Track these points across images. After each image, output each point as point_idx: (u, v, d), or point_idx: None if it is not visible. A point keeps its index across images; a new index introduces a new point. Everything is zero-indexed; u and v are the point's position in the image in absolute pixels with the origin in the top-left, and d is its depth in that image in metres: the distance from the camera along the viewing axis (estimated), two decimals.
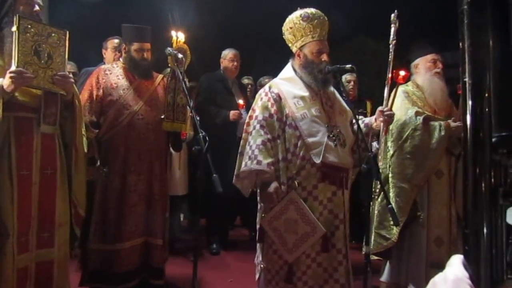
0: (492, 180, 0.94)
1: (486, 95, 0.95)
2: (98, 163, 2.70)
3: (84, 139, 2.34)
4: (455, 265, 0.97)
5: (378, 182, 2.35)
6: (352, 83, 4.36)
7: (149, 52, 2.90)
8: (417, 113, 2.78)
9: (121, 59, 2.97)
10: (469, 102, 0.98)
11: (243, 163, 2.22)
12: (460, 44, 1.05)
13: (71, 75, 2.22)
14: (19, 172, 2.04)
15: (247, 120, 2.35)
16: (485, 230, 0.92)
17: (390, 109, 2.46)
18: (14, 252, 1.99)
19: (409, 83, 3.00)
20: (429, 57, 2.90)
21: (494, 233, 0.93)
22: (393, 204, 2.69)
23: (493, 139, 0.95)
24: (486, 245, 0.93)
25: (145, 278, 2.86)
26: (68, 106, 2.23)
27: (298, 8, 2.36)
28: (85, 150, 2.35)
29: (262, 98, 2.32)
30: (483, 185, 0.94)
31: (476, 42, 0.99)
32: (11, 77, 1.90)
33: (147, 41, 2.89)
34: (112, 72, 2.85)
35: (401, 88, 2.91)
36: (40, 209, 2.11)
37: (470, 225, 0.97)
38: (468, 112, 0.99)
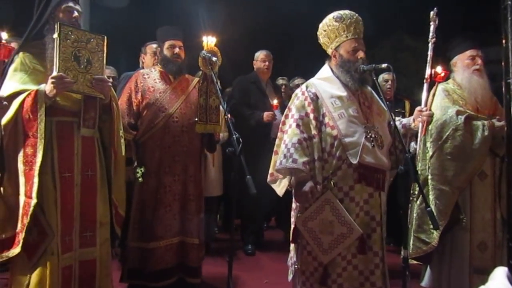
0: None
1: None
2: (135, 164, 2.81)
3: (122, 141, 2.41)
4: (499, 278, 0.91)
5: (417, 184, 2.27)
6: (389, 82, 4.25)
7: (182, 49, 2.97)
8: (458, 112, 2.66)
9: (159, 63, 3.07)
10: None
11: (278, 161, 2.20)
12: (504, 42, 0.98)
13: (109, 79, 2.29)
14: (62, 174, 2.12)
15: (282, 119, 2.36)
16: None
17: (429, 109, 2.38)
18: (59, 252, 2.08)
19: (449, 81, 2.88)
20: (467, 53, 2.77)
21: None
22: (432, 207, 2.61)
23: None
24: None
25: (182, 277, 2.93)
26: (106, 109, 2.31)
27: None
28: (123, 152, 2.41)
29: (298, 97, 2.31)
30: None
31: None
32: (52, 83, 1.98)
33: (178, 38, 2.97)
34: (150, 76, 2.96)
35: (441, 86, 2.80)
36: (82, 209, 2.19)
37: None
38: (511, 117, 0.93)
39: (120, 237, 2.63)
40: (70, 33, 2.07)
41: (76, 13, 2.22)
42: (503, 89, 0.96)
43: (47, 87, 2.01)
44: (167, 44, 2.95)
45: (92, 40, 2.16)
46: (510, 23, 0.94)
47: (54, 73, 2.00)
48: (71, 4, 2.22)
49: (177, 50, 2.94)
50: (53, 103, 2.09)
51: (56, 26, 2.04)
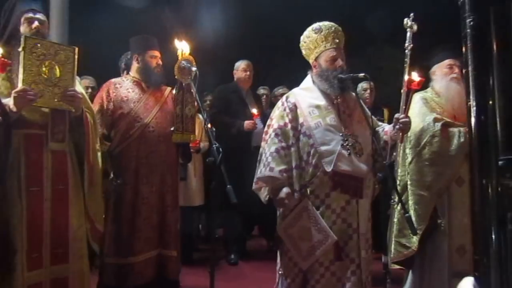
0: (500, 205, 0.92)
1: (491, 118, 0.95)
2: (112, 176, 2.73)
3: (99, 153, 2.36)
4: None
5: (395, 191, 2.30)
6: (368, 91, 4.33)
7: (160, 60, 2.97)
8: (435, 120, 2.72)
9: (130, 73, 3.01)
10: (473, 126, 0.98)
11: (259, 170, 2.29)
12: (464, 68, 1.05)
13: (88, 89, 2.25)
14: (29, 188, 2.06)
15: (265, 129, 2.42)
16: (494, 257, 0.91)
17: (406, 116, 2.42)
18: (24, 268, 1.99)
19: (428, 89, 2.95)
20: (446, 62, 2.84)
21: (504, 260, 0.91)
22: (412, 212, 2.65)
23: (500, 163, 0.93)
24: (496, 271, 0.92)
25: None
26: (80, 122, 2.25)
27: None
28: (100, 164, 2.36)
29: (279, 108, 2.40)
30: (490, 210, 0.93)
31: (479, 66, 0.98)
32: (14, 97, 1.94)
33: (158, 48, 2.96)
34: (122, 86, 2.89)
35: (419, 95, 2.86)
36: (53, 224, 2.12)
37: (479, 252, 0.96)
38: (473, 136, 0.98)
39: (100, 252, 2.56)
40: (37, 45, 2.02)
41: (36, 23, 2.15)
42: (467, 110, 1.02)
43: (11, 101, 1.96)
44: (150, 53, 2.92)
45: (61, 52, 2.11)
46: (470, 50, 0.99)
47: (18, 87, 1.96)
48: (30, 14, 2.16)
49: (159, 61, 2.93)
50: (20, 116, 2.03)
51: (21, 40, 1.99)
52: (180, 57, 2.55)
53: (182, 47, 2.53)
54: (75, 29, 5.06)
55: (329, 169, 2.20)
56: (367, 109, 2.44)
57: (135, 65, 2.97)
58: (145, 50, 2.92)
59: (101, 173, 2.42)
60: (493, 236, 0.93)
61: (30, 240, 2.03)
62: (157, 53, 2.94)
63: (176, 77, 2.67)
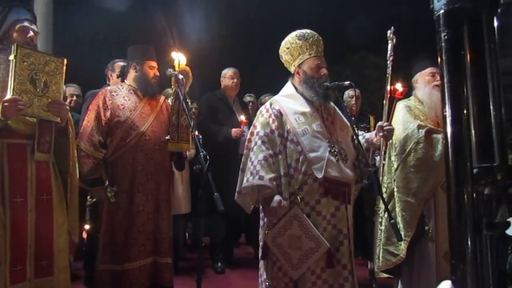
0: (476, 211, 0.96)
1: (465, 128, 0.99)
2: (107, 183, 2.72)
3: (77, 164, 2.35)
4: None
5: (380, 198, 2.33)
6: (354, 98, 4.38)
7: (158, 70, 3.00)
8: (419, 126, 2.75)
9: (126, 81, 3.02)
10: (449, 136, 1.02)
11: (245, 179, 2.22)
12: (439, 79, 1.10)
13: (73, 97, 2.25)
14: (12, 199, 2.02)
15: (248, 136, 2.38)
16: (470, 261, 0.95)
17: (390, 124, 2.46)
18: (7, 281, 1.95)
19: (411, 97, 2.99)
20: (428, 70, 2.89)
21: (480, 264, 0.95)
22: (399, 219, 2.67)
23: (475, 171, 0.97)
24: (472, 274, 0.95)
25: None
26: (62, 132, 2.24)
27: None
28: (78, 175, 2.36)
29: (263, 115, 2.36)
30: (466, 217, 0.96)
31: (454, 78, 1.02)
32: (5, 106, 1.91)
33: (156, 59, 2.99)
34: (118, 94, 2.90)
35: (403, 103, 2.90)
36: (37, 236, 2.08)
37: (456, 256, 0.99)
38: (448, 145, 1.02)
39: (85, 259, 2.53)
40: (27, 55, 2.02)
41: (31, 33, 2.17)
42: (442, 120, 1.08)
43: None
44: (148, 63, 2.94)
45: (50, 62, 2.11)
46: (445, 62, 1.04)
47: (8, 96, 1.93)
48: (26, 24, 2.16)
49: (156, 72, 2.96)
50: (5, 125, 2.01)
51: (13, 48, 1.98)
52: (177, 68, 2.58)
53: (179, 58, 2.55)
54: (59, 36, 5.03)
55: (320, 175, 2.19)
56: (347, 117, 2.46)
57: (132, 74, 2.98)
58: (144, 59, 2.95)
59: (78, 184, 2.40)
60: (469, 241, 0.96)
61: (13, 252, 1.99)
62: (155, 64, 2.97)
63: (172, 86, 2.70)
